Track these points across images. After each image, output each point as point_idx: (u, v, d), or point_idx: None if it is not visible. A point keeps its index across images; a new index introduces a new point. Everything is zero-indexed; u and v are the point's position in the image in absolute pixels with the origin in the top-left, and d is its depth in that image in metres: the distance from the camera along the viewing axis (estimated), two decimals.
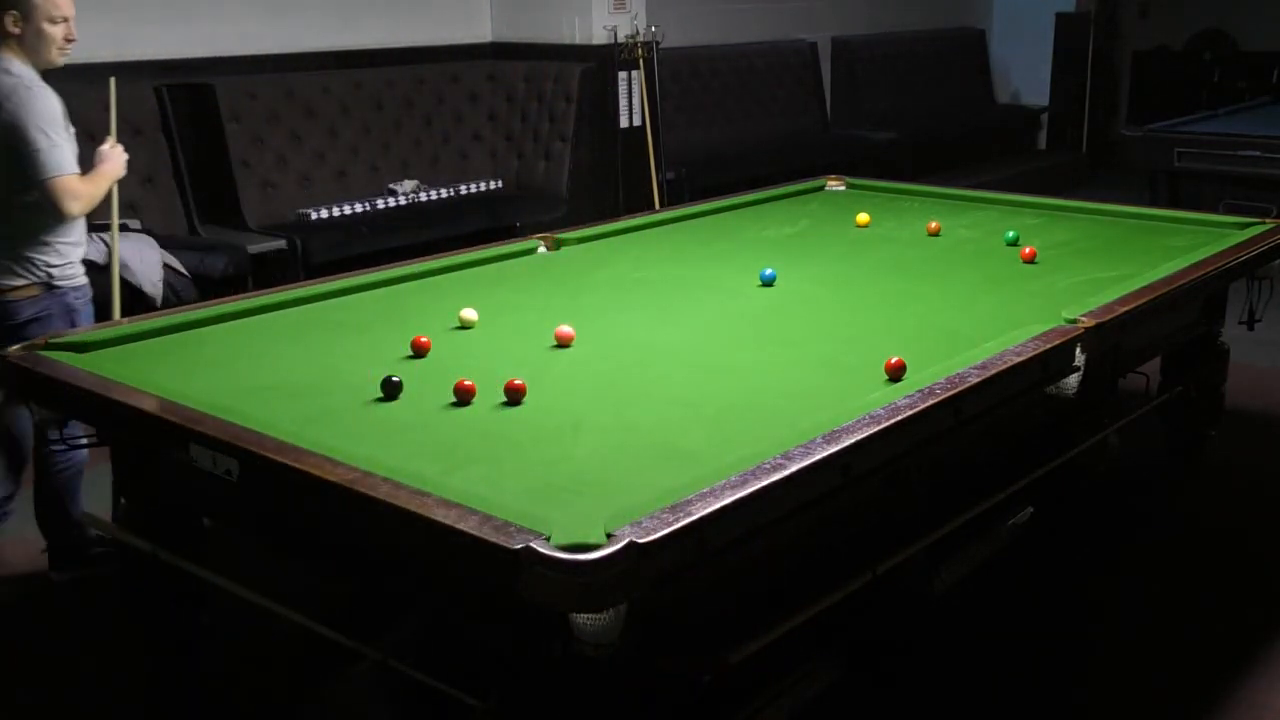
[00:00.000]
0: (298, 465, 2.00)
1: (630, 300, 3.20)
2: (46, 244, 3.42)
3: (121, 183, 5.54)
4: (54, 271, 3.45)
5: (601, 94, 6.65)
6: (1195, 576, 3.48)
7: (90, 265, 4.86)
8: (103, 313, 3.90)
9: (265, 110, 5.96)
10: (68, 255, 3.49)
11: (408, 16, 6.72)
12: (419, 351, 2.70)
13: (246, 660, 3.00)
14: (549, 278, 3.45)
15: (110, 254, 4.87)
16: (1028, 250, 3.53)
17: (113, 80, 3.89)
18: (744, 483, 1.89)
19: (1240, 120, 7.30)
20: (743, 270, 3.43)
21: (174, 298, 4.91)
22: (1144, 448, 4.05)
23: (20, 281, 3.40)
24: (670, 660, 1.95)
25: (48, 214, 3.37)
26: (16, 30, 3.31)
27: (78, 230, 3.53)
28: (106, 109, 3.92)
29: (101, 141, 3.64)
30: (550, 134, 6.74)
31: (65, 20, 3.36)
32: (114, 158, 3.56)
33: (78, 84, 5.48)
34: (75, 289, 3.53)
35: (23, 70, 3.35)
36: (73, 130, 3.45)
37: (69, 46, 3.42)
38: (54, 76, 3.46)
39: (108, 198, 3.68)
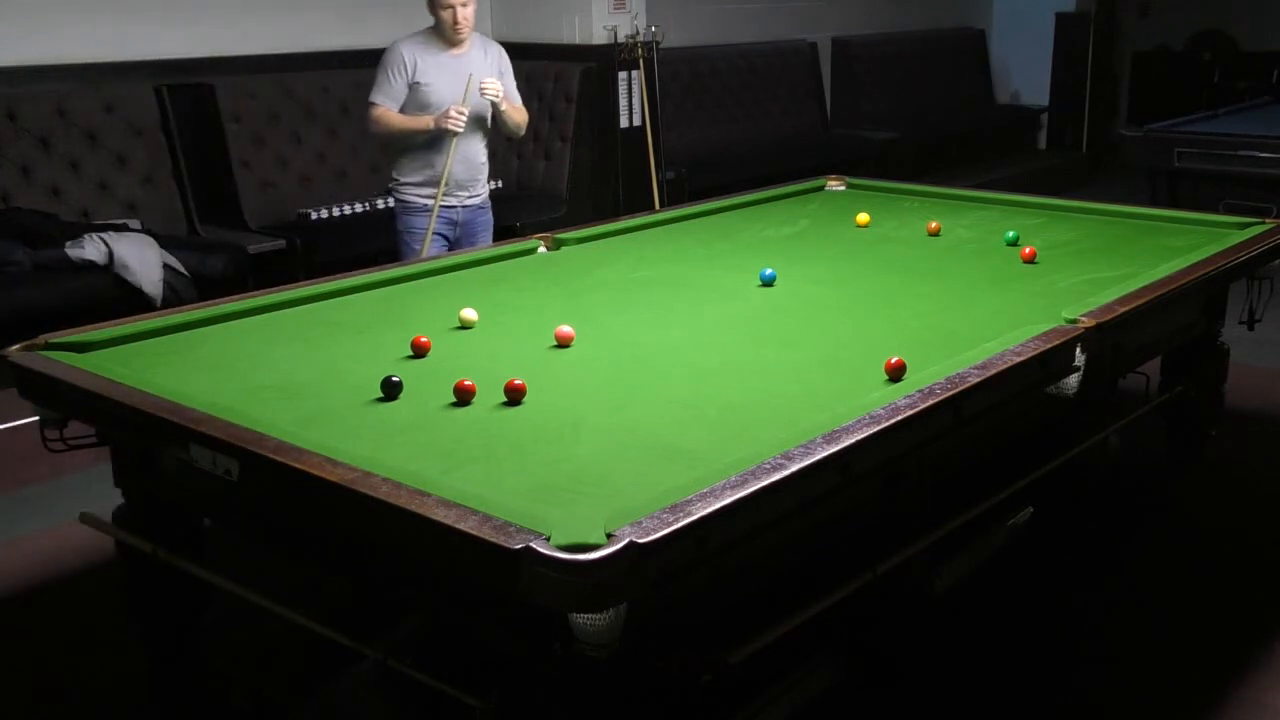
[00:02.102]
0: (298, 465, 2.00)
1: (630, 300, 3.20)
2: (396, 161, 4.64)
3: (121, 182, 5.55)
4: (397, 182, 4.65)
5: (601, 94, 6.66)
6: (1195, 576, 3.48)
7: (90, 265, 4.89)
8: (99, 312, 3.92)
9: (265, 110, 5.97)
10: (403, 176, 4.61)
11: (408, 16, 6.68)
12: (419, 351, 2.70)
13: (246, 660, 3.00)
14: (549, 278, 3.45)
15: (110, 254, 4.88)
16: (1028, 250, 3.53)
17: (470, 75, 4.47)
18: (744, 483, 1.89)
19: (1240, 120, 7.31)
20: (743, 270, 3.43)
21: (174, 298, 4.91)
22: (1144, 448, 4.05)
23: (391, 183, 4.74)
24: (670, 660, 1.95)
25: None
26: (431, 15, 4.47)
27: (420, 159, 4.55)
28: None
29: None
30: (550, 134, 6.75)
31: (450, 7, 4.38)
32: (446, 111, 4.39)
33: (77, 83, 5.51)
34: (402, 203, 4.63)
35: (418, 37, 4.51)
36: (420, 83, 4.45)
37: (460, 27, 4.43)
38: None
39: (441, 166, 4.50)
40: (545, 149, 6.77)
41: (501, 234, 5.38)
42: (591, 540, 1.69)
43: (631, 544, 1.67)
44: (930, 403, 2.24)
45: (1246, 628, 3.19)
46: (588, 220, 4.88)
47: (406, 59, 4.46)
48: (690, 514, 1.77)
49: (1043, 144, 10.58)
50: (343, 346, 2.80)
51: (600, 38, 6.61)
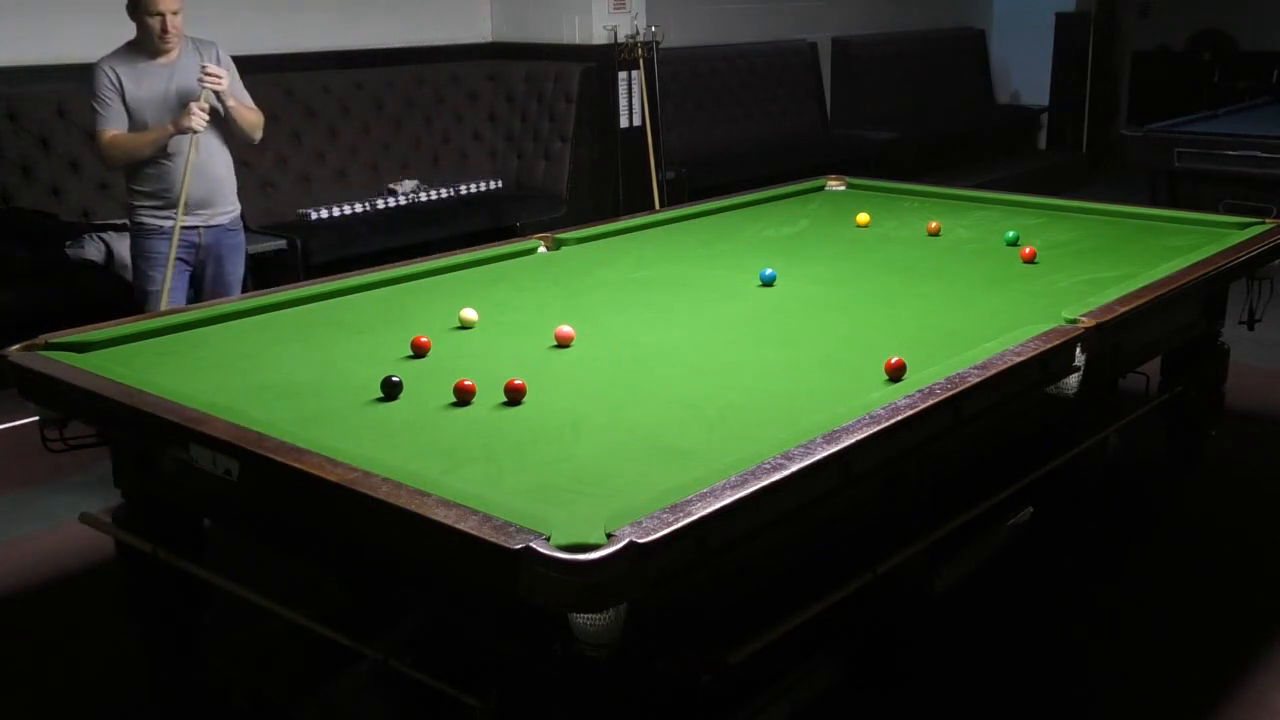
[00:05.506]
0: (298, 465, 2.00)
1: (630, 300, 3.20)
2: (130, 178, 4.18)
3: (121, 182, 5.51)
4: (131, 204, 4.21)
5: (601, 94, 6.65)
6: (1195, 576, 3.48)
7: (90, 265, 4.89)
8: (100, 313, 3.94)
9: (265, 110, 5.94)
10: (136, 199, 4.16)
11: (408, 16, 6.72)
12: (419, 351, 2.70)
13: (246, 660, 3.00)
14: (549, 278, 3.45)
15: (110, 254, 4.89)
16: (1028, 250, 3.53)
17: (204, 67, 4.06)
18: (744, 483, 1.89)
19: (1240, 120, 7.31)
20: (743, 270, 3.43)
21: None
22: (1144, 448, 4.05)
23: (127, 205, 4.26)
24: (670, 660, 1.95)
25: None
26: (136, 23, 4.02)
27: (154, 175, 4.10)
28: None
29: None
30: (550, 134, 6.74)
31: (159, 15, 3.95)
32: (186, 109, 3.96)
33: (77, 83, 5.49)
34: (137, 225, 4.16)
35: (119, 52, 4.05)
36: (129, 102, 4.03)
37: (169, 36, 4.00)
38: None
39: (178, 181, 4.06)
40: (545, 149, 6.76)
41: (502, 234, 5.39)
42: (591, 540, 1.69)
43: (631, 544, 1.67)
44: (930, 403, 2.24)
45: (1246, 628, 3.19)
46: (588, 220, 4.87)
47: (112, 77, 4.00)
48: (690, 514, 1.77)
49: (1043, 144, 10.57)
50: (343, 346, 2.80)
51: (600, 38, 6.61)
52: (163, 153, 4.02)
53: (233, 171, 4.28)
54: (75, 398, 2.46)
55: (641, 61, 6.62)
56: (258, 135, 4.29)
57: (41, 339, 2.71)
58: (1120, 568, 3.53)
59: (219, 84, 3.99)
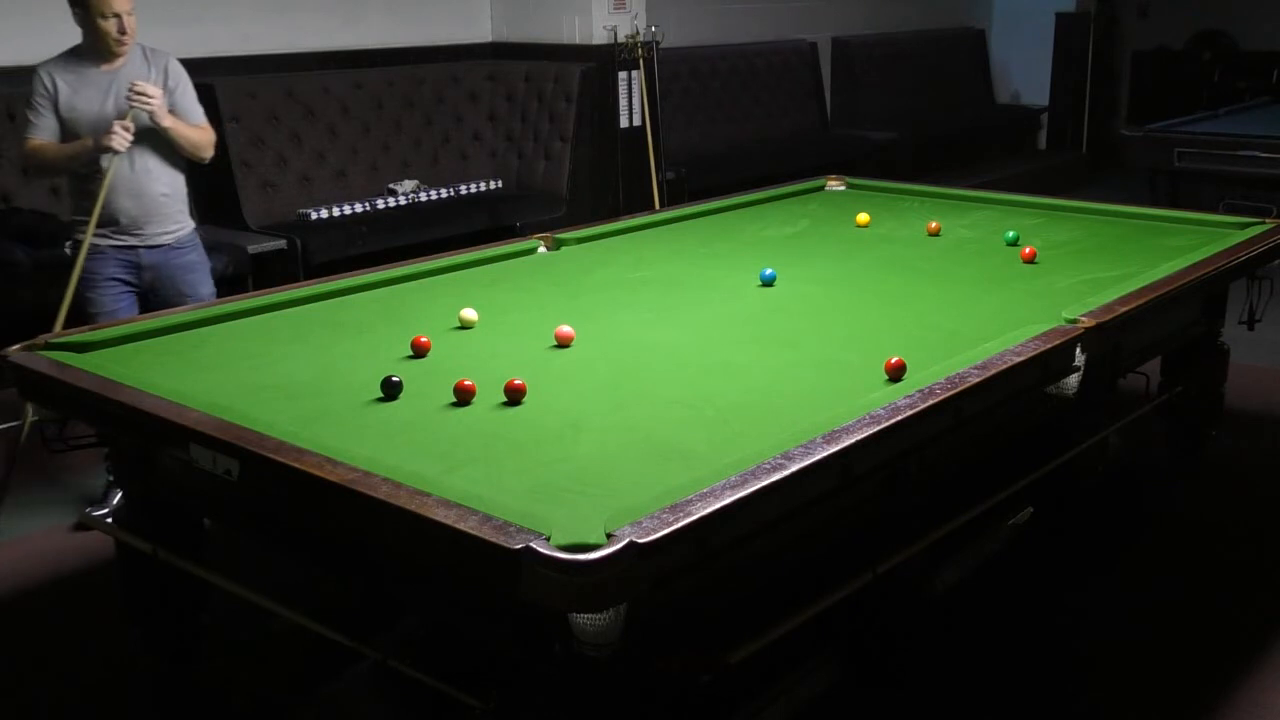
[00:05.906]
0: (298, 465, 2.00)
1: (630, 300, 3.20)
2: (73, 195, 4.02)
3: None
4: (74, 221, 3.99)
5: (601, 94, 6.65)
6: (1195, 576, 3.48)
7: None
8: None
9: (265, 110, 5.96)
10: (75, 214, 3.97)
11: (408, 16, 6.72)
12: (419, 351, 2.70)
13: (246, 660, 3.00)
14: (549, 278, 3.45)
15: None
16: (1028, 250, 3.53)
17: (132, 84, 3.84)
18: (744, 483, 1.89)
19: (1240, 120, 7.31)
20: (743, 270, 3.43)
21: None
22: (1144, 448, 4.05)
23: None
24: (670, 660, 1.95)
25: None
26: (84, 28, 3.79)
27: (89, 192, 3.83)
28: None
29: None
30: (550, 134, 6.74)
31: (115, 16, 3.73)
32: (110, 126, 3.72)
33: None
34: (77, 244, 3.90)
35: (62, 57, 3.83)
36: (64, 111, 3.81)
37: (125, 39, 3.79)
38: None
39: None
40: (545, 149, 6.76)
41: (501, 234, 5.38)
42: (591, 540, 1.69)
43: (631, 544, 1.67)
44: (930, 403, 2.24)
45: (1246, 628, 3.19)
46: (588, 220, 4.87)
47: (48, 84, 3.77)
48: (690, 514, 1.77)
49: (1043, 144, 10.57)
50: (343, 346, 2.80)
51: (600, 38, 6.61)
52: (97, 169, 3.76)
53: (181, 189, 4.00)
54: (75, 398, 2.46)
55: (641, 61, 6.62)
56: (206, 154, 3.98)
57: (41, 339, 2.71)
58: (1119, 568, 3.53)
59: (148, 105, 3.69)
